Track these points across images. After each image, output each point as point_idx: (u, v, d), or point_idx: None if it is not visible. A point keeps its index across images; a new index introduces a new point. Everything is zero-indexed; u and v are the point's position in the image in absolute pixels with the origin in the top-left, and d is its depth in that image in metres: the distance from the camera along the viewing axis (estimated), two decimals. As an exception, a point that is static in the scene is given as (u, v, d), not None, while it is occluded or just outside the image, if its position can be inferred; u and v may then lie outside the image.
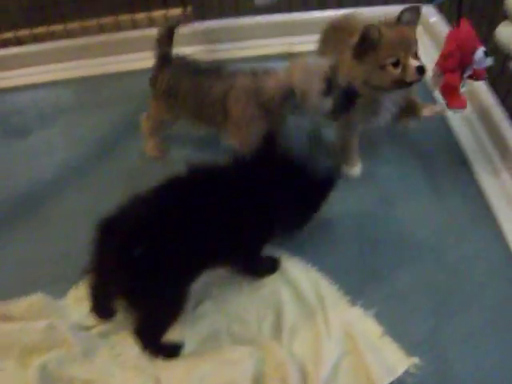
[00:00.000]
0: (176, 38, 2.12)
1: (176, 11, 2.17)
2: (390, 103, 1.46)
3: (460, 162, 1.64)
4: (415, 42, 1.36)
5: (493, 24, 1.56)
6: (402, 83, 1.35)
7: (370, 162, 1.65)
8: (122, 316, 1.27)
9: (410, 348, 1.20)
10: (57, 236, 1.51)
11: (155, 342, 1.21)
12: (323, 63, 1.35)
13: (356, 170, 1.62)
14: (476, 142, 1.68)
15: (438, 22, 2.07)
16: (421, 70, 1.31)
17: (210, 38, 2.15)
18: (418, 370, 1.17)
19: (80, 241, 1.43)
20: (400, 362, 1.18)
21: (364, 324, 1.25)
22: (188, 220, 1.13)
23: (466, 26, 1.36)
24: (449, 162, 1.65)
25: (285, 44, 2.12)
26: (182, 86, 1.51)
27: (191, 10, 2.18)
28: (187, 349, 1.23)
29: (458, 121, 1.76)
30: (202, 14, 2.16)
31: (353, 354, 1.19)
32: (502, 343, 1.22)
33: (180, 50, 2.12)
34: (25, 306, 1.30)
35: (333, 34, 1.60)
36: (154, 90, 1.60)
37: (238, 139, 1.48)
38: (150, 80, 1.59)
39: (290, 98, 1.34)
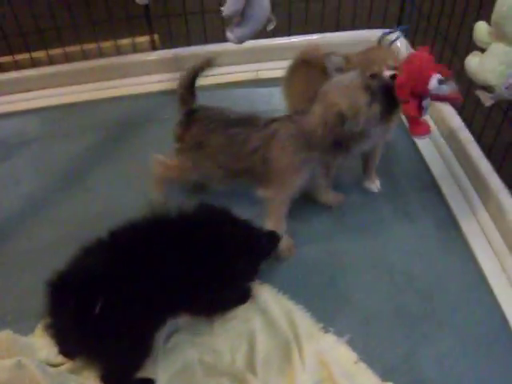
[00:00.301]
0: (145, 66, 2.14)
1: (143, 39, 2.17)
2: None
3: (429, 185, 1.66)
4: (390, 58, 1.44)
5: (456, 48, 1.60)
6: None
7: (340, 188, 1.66)
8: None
9: (385, 373, 1.20)
10: (23, 270, 1.48)
11: (125, 382, 1.18)
12: (351, 75, 1.34)
13: (376, 184, 1.67)
14: (444, 165, 1.71)
15: (403, 46, 2.11)
16: (394, 77, 1.37)
17: (177, 65, 2.15)
18: None
19: (47, 275, 1.41)
20: None
21: (338, 351, 1.24)
22: (142, 272, 1.09)
23: (419, 55, 1.38)
24: (418, 187, 1.67)
25: (252, 71, 2.14)
26: (212, 140, 1.42)
27: (158, 38, 2.19)
28: (160, 383, 1.20)
29: (427, 145, 1.78)
30: (169, 42, 2.17)
31: (328, 381, 1.18)
32: (475, 364, 1.22)
33: (148, 77, 2.15)
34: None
35: (301, 65, 1.63)
36: (179, 145, 1.51)
37: (278, 189, 1.41)
38: (174, 136, 1.51)
39: (342, 122, 1.28)
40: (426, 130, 1.35)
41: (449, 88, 1.31)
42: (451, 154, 1.72)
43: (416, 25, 2.03)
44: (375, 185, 1.68)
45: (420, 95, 1.29)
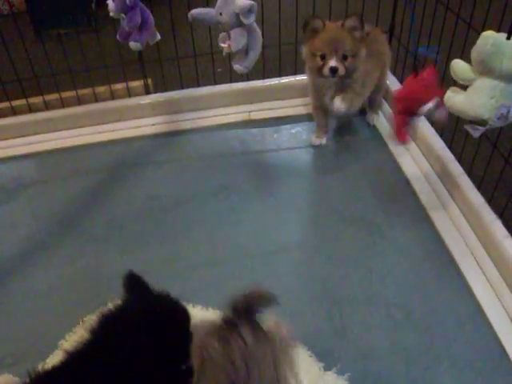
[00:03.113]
0: (139, 110, 2.18)
1: (137, 83, 2.21)
2: (325, 87, 1.78)
3: (422, 218, 1.68)
4: (346, 45, 1.65)
5: (445, 83, 1.64)
6: (322, 74, 1.68)
7: (330, 222, 1.68)
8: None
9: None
10: (21, 313, 1.47)
11: None
12: None
13: (318, 140, 1.98)
14: (436, 197, 1.73)
15: (390, 82, 2.15)
16: (333, 70, 1.65)
17: (170, 108, 2.19)
18: None
19: (46, 318, 1.41)
20: None
21: (338, 388, 1.23)
22: None
23: (425, 77, 1.47)
24: (411, 220, 1.68)
25: (245, 112, 2.18)
26: None
27: (152, 82, 2.24)
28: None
29: (418, 178, 1.81)
30: (162, 86, 2.21)
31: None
32: (475, 398, 1.22)
33: (142, 121, 2.18)
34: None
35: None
36: None
37: None
38: None
39: None
40: (403, 139, 1.56)
41: (439, 114, 1.45)
42: (442, 186, 1.74)
43: (404, 61, 2.07)
44: (372, 118, 2.05)
45: (410, 113, 1.45)
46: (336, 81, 1.73)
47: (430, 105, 1.43)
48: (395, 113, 1.59)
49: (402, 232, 1.64)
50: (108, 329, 1.09)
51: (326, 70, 1.66)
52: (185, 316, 1.13)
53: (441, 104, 1.42)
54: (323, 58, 1.66)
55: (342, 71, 1.66)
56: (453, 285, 1.48)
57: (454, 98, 1.26)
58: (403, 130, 1.53)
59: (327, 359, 1.30)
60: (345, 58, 1.66)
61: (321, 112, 1.93)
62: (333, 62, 1.64)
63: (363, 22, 1.66)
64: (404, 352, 1.32)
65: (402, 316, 1.40)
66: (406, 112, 1.50)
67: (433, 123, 1.88)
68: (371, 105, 2.05)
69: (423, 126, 1.88)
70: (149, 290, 1.20)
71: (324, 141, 1.99)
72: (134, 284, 1.19)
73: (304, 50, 1.77)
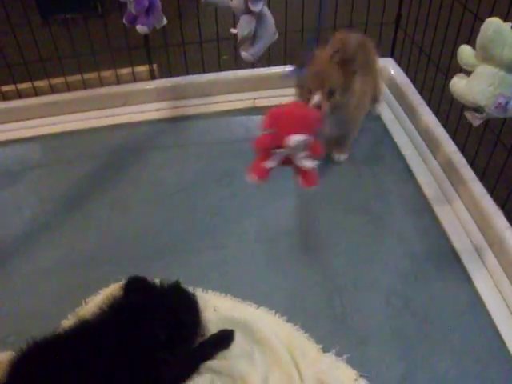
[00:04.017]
0: (144, 95, 2.18)
1: (142, 68, 2.22)
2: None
3: (423, 209, 1.68)
4: (333, 81, 1.53)
5: (448, 76, 1.64)
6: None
7: (331, 209, 1.70)
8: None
9: (382, 394, 1.21)
10: (25, 293, 1.49)
11: None
12: None
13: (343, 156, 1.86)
14: (439, 189, 1.74)
15: (397, 74, 2.16)
16: (316, 106, 1.51)
17: (175, 94, 2.19)
18: None
19: (49, 298, 1.43)
20: None
21: (337, 370, 1.25)
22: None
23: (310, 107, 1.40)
24: (412, 210, 1.69)
25: (249, 99, 2.19)
26: None
27: (157, 68, 2.24)
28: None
29: (421, 169, 1.82)
30: (168, 71, 2.21)
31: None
32: (472, 385, 1.23)
33: (147, 106, 2.18)
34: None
35: None
36: None
37: None
38: None
39: None
40: (261, 176, 1.27)
41: (306, 162, 1.26)
42: (445, 177, 1.75)
43: (409, 53, 2.08)
44: (342, 156, 1.86)
45: (279, 141, 1.22)
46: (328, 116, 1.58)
47: (300, 137, 1.20)
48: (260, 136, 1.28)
49: (402, 221, 1.65)
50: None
51: (311, 106, 1.52)
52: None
53: (314, 152, 1.26)
54: (310, 91, 1.54)
55: (325, 108, 1.53)
56: (453, 274, 1.48)
57: (456, 83, 1.26)
58: (261, 165, 1.26)
59: (326, 342, 1.31)
60: (332, 93, 1.54)
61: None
62: (316, 98, 1.51)
63: (355, 56, 1.55)
64: (402, 339, 1.33)
65: (402, 304, 1.41)
66: (273, 137, 1.22)
67: (437, 114, 1.89)
68: (373, 98, 1.99)
69: (427, 118, 1.90)
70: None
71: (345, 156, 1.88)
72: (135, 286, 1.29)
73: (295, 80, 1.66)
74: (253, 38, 1.62)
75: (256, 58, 1.66)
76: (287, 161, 1.26)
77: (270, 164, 1.25)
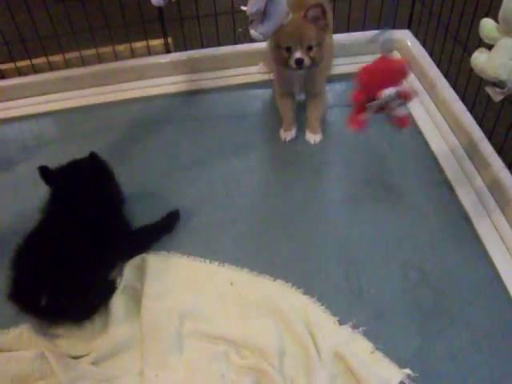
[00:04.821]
0: (159, 68, 2.17)
1: (157, 42, 2.20)
2: (294, 77, 1.75)
3: (441, 183, 1.67)
4: (311, 36, 1.60)
5: (467, 48, 1.62)
6: (288, 65, 1.63)
7: (349, 183, 1.69)
8: (112, 344, 1.28)
9: (397, 366, 1.22)
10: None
11: None
12: None
13: (288, 134, 1.87)
14: (456, 163, 1.72)
15: (413, 46, 2.12)
16: (299, 62, 1.60)
17: (191, 67, 2.18)
18: (412, 382, 1.19)
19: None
20: (394, 374, 1.20)
21: (353, 342, 1.26)
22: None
23: (395, 60, 1.40)
24: (430, 184, 1.68)
25: (265, 72, 2.16)
26: None
27: (172, 41, 2.22)
28: (178, 376, 1.23)
29: (438, 143, 1.80)
30: (183, 44, 2.20)
31: (345, 374, 1.20)
32: (487, 359, 1.23)
33: (162, 79, 2.17)
34: (13, 337, 1.30)
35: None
36: None
37: None
38: None
39: None
40: (360, 126, 1.41)
41: (399, 110, 1.37)
42: (463, 151, 1.73)
43: (426, 25, 2.04)
44: (314, 138, 1.86)
45: (372, 94, 1.33)
46: (303, 72, 1.69)
47: (391, 90, 1.32)
48: (355, 91, 1.41)
49: (421, 196, 1.64)
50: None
51: (292, 63, 1.61)
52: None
53: (404, 99, 1.35)
54: (288, 50, 1.61)
55: (307, 62, 1.61)
56: (470, 249, 1.48)
57: (477, 58, 1.24)
58: (358, 117, 1.40)
59: (342, 315, 1.32)
60: (310, 48, 1.61)
61: (288, 99, 1.86)
62: (298, 54, 1.60)
63: (325, 10, 1.60)
64: (419, 312, 1.33)
65: (418, 277, 1.41)
66: (366, 92, 1.35)
67: (454, 87, 1.86)
68: None
69: (445, 91, 1.87)
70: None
71: (294, 133, 1.88)
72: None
73: (268, 42, 1.75)
74: (263, 16, 1.57)
75: (266, 37, 1.63)
76: (380, 109, 1.37)
77: (366, 115, 1.38)
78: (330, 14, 1.83)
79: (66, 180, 1.48)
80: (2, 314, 1.37)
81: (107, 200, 1.49)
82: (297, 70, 1.64)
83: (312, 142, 1.85)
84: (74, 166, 1.50)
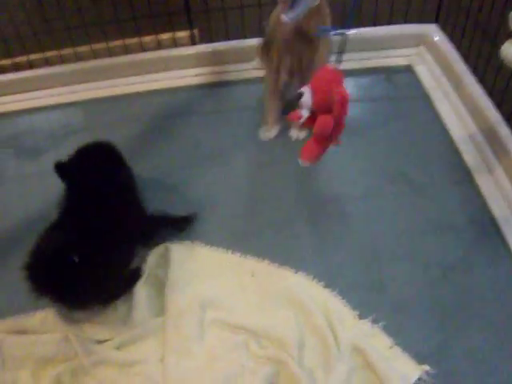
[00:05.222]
0: (184, 60, 2.18)
1: (183, 34, 2.22)
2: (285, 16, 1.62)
3: (464, 179, 1.66)
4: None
5: (496, 42, 1.60)
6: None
7: (372, 177, 1.69)
8: (136, 328, 1.31)
9: (416, 361, 1.22)
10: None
11: None
12: None
13: (269, 133, 1.87)
14: (481, 159, 1.70)
15: (441, 40, 2.11)
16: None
17: (216, 59, 2.19)
18: (431, 378, 1.19)
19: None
20: (412, 370, 1.20)
21: (373, 337, 1.26)
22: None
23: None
24: (452, 180, 1.66)
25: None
26: None
27: (198, 33, 2.23)
28: (199, 364, 1.25)
29: (463, 139, 1.78)
30: (208, 36, 2.21)
31: (363, 367, 1.21)
32: (508, 359, 1.23)
33: (187, 71, 2.19)
34: (39, 320, 1.34)
35: None
36: None
37: None
38: None
39: None
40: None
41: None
42: (488, 148, 1.71)
43: (455, 19, 2.02)
44: (296, 134, 1.85)
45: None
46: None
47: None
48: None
49: (443, 191, 1.63)
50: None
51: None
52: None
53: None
54: None
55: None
56: (493, 246, 1.47)
57: (508, 48, 1.22)
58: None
59: (362, 309, 1.32)
60: None
61: (277, 96, 1.83)
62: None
63: None
64: (440, 309, 1.33)
65: (440, 274, 1.41)
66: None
67: (481, 81, 1.84)
68: None
69: (472, 87, 1.85)
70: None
71: (275, 132, 1.87)
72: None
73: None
74: (293, 2, 1.61)
75: (294, 21, 1.65)
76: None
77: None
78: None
79: (80, 172, 1.48)
80: (28, 298, 1.40)
81: (121, 185, 1.51)
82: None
83: (294, 137, 1.85)
84: (84, 155, 1.52)
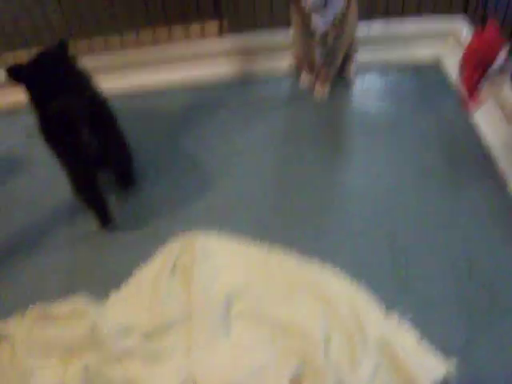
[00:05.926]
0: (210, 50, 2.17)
1: (212, 24, 2.22)
2: (319, 21, 1.78)
3: (490, 176, 1.64)
4: None
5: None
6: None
7: (402, 172, 1.69)
8: (162, 319, 1.33)
9: (444, 356, 1.22)
10: (100, 246, 1.58)
11: None
12: None
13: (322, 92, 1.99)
14: (510, 154, 1.68)
15: (469, 33, 2.09)
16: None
17: (244, 51, 2.19)
18: (457, 373, 1.18)
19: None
20: (439, 365, 1.20)
21: (400, 331, 1.26)
22: None
23: (490, 31, 1.44)
24: (480, 174, 1.66)
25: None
26: None
27: (227, 24, 2.24)
28: (225, 358, 1.27)
29: (491, 133, 1.77)
30: (237, 27, 2.21)
31: (390, 361, 1.21)
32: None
33: (214, 64, 2.17)
34: (69, 308, 1.36)
35: None
36: None
37: None
38: None
39: None
40: (477, 102, 1.50)
41: (508, 67, 1.44)
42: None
43: (483, 9, 2.00)
44: (326, 90, 1.98)
45: (484, 68, 1.40)
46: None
47: (501, 56, 1.40)
48: (464, 74, 1.52)
49: (472, 188, 1.62)
50: None
51: (308, 4, 1.69)
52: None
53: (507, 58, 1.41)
54: None
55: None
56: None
57: None
58: (475, 93, 1.47)
59: (389, 303, 1.32)
60: None
61: (306, 43, 1.92)
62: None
63: None
64: (467, 304, 1.33)
65: (467, 268, 1.40)
66: (478, 68, 1.43)
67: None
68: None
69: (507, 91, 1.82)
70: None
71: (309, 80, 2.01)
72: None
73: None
74: (324, 8, 1.69)
75: (326, 26, 1.68)
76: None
77: (483, 86, 1.52)
78: None
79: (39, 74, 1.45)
80: (58, 286, 1.45)
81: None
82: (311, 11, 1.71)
83: (319, 96, 1.95)
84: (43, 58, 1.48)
